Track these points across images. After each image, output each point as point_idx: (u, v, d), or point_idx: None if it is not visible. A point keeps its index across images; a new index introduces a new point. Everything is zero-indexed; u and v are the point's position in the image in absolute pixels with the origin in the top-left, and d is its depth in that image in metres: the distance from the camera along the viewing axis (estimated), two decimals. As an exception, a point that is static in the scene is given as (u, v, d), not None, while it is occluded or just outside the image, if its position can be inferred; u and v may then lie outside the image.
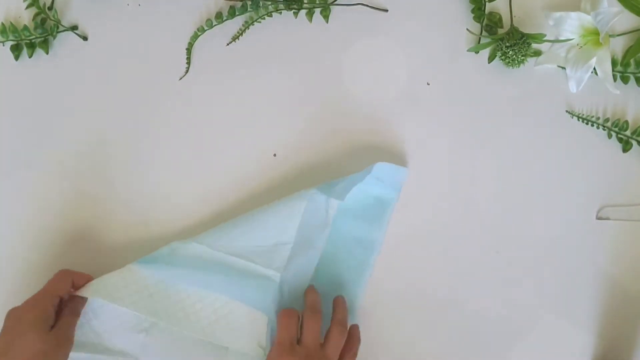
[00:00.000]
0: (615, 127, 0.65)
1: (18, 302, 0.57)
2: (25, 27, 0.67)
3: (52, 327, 0.57)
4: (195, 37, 0.67)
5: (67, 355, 0.57)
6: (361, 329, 0.63)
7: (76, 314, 0.60)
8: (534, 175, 0.66)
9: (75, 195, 0.66)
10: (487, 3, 0.66)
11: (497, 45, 0.65)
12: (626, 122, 0.65)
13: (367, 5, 0.67)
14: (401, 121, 0.67)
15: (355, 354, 0.61)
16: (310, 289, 0.63)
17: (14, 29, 0.67)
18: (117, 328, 0.61)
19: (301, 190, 0.63)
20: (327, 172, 0.66)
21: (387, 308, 0.65)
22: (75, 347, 0.59)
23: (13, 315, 0.56)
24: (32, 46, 0.68)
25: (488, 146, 0.66)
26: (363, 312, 0.64)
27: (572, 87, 0.65)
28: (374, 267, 0.65)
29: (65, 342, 0.58)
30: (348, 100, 0.67)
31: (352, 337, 0.62)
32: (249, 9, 0.67)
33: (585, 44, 0.64)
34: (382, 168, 0.62)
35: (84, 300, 0.61)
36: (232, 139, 0.67)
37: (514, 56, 0.64)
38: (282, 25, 0.68)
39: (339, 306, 0.62)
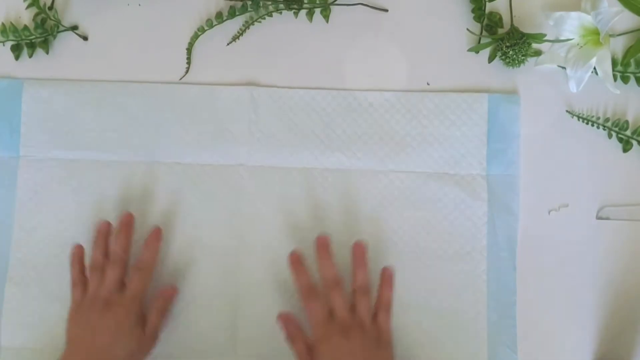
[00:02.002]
0: (616, 127, 0.65)
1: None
2: (26, 27, 0.67)
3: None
4: (195, 37, 0.67)
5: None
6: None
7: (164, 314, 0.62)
8: (533, 175, 0.66)
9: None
10: (487, 3, 0.66)
11: (498, 45, 0.65)
12: (626, 122, 0.65)
13: (367, 5, 0.67)
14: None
15: (388, 305, 0.60)
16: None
17: (14, 29, 0.67)
18: None
19: None
20: (327, 172, 0.66)
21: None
22: None
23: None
24: (32, 46, 0.68)
25: (488, 146, 0.66)
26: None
27: (572, 87, 0.65)
28: None
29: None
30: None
31: (383, 284, 0.61)
32: (249, 9, 0.67)
33: (585, 44, 0.64)
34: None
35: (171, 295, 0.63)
36: (232, 138, 0.67)
37: (514, 56, 0.64)
38: (282, 25, 0.68)
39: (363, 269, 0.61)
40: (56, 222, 0.66)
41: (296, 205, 0.66)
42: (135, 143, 0.66)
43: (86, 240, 0.65)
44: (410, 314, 0.64)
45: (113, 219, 0.65)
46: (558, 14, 0.64)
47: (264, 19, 0.67)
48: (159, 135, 0.66)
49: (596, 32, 0.63)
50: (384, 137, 0.66)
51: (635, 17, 0.66)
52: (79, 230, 0.66)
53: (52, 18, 0.67)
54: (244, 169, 0.66)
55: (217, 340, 0.64)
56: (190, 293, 0.65)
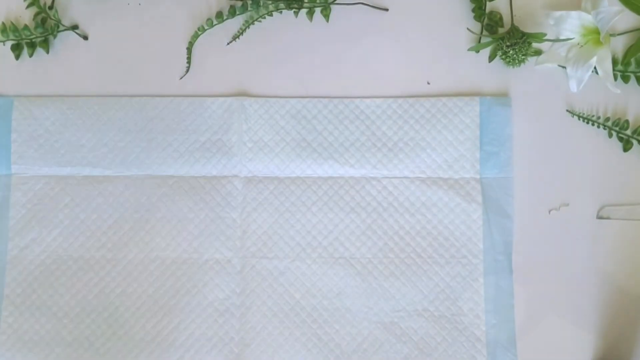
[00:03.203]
0: (616, 126, 0.65)
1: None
2: (26, 27, 0.67)
3: None
4: (195, 36, 0.67)
5: None
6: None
7: None
8: (534, 175, 0.66)
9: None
10: (487, 2, 0.66)
11: (498, 45, 0.65)
12: (627, 121, 0.65)
13: (367, 5, 0.67)
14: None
15: None
16: None
17: (14, 29, 0.67)
18: None
19: None
20: (327, 172, 0.66)
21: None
22: None
23: None
24: (32, 45, 0.68)
25: (488, 145, 0.66)
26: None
27: (573, 86, 0.65)
28: None
29: None
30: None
31: None
32: (249, 8, 0.67)
33: (585, 43, 0.64)
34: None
35: None
36: (232, 138, 0.67)
37: (515, 55, 0.64)
38: (283, 25, 0.68)
39: None
40: (50, 239, 0.66)
41: (291, 214, 0.66)
42: (127, 157, 0.67)
43: (80, 256, 0.65)
44: (408, 319, 0.64)
45: (108, 235, 0.65)
46: (558, 13, 0.64)
47: (265, 18, 0.67)
48: (151, 149, 0.67)
49: (596, 32, 0.63)
50: (377, 143, 0.66)
51: (636, 16, 0.66)
52: (73, 247, 0.66)
53: (53, 17, 0.67)
54: (238, 180, 0.66)
55: (220, 351, 0.64)
56: (188, 305, 0.65)
